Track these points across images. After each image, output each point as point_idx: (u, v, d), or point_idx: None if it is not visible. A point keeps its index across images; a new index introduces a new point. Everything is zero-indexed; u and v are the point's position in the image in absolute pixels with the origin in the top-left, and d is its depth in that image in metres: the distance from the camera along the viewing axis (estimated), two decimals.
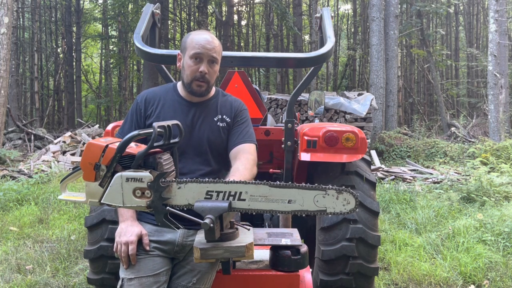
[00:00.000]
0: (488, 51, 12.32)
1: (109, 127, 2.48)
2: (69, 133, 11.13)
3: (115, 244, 1.86)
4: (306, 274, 2.04)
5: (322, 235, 2.35)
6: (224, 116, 2.05)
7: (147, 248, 1.85)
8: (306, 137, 2.37)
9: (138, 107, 2.03)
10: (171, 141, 1.64)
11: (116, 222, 2.28)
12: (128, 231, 1.85)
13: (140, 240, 1.86)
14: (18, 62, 21.39)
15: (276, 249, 1.90)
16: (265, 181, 1.51)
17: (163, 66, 2.75)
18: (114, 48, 22.99)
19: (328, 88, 22.63)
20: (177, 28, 23.93)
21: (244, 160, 1.90)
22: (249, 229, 1.72)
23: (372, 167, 8.85)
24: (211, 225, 1.43)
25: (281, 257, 1.87)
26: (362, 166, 2.57)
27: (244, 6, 25.43)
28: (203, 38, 1.93)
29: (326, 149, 2.36)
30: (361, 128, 9.85)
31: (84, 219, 2.39)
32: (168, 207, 1.53)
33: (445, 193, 6.58)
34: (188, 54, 1.92)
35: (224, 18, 21.10)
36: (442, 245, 4.14)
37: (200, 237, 1.63)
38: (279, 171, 2.94)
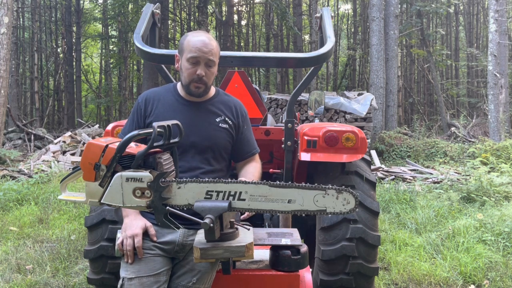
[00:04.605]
0: (488, 51, 12.31)
1: (109, 127, 2.48)
2: (69, 133, 11.13)
3: (120, 239, 1.85)
4: (306, 274, 2.03)
5: (322, 235, 2.35)
6: (227, 118, 2.06)
7: (154, 238, 1.87)
8: (306, 137, 2.37)
9: (138, 107, 2.05)
10: (171, 141, 1.64)
11: (116, 222, 2.28)
12: (133, 224, 1.86)
13: (143, 238, 1.86)
14: (18, 62, 21.39)
15: (276, 249, 1.90)
16: (265, 181, 1.51)
17: (163, 66, 2.75)
18: (114, 48, 22.98)
19: (328, 88, 22.62)
20: (177, 28, 23.92)
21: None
22: (249, 229, 1.72)
23: (372, 167, 8.85)
24: (211, 225, 1.43)
25: (281, 257, 1.87)
26: (362, 166, 2.57)
27: (244, 6, 25.43)
28: (199, 40, 1.92)
29: (326, 149, 2.36)
30: (361, 128, 9.85)
31: (84, 219, 2.39)
32: (168, 207, 1.53)
33: (445, 193, 6.58)
34: (185, 57, 1.93)
35: (224, 18, 21.09)
36: (442, 245, 4.14)
37: (200, 237, 1.63)
38: (279, 171, 2.94)
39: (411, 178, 8.41)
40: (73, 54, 21.63)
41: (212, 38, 1.99)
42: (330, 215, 1.61)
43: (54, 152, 9.92)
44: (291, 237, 1.95)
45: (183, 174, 1.88)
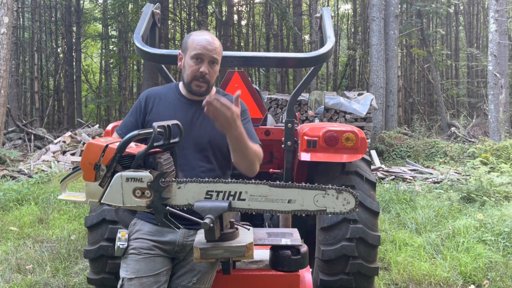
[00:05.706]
0: (488, 51, 12.31)
1: (109, 127, 2.48)
2: (69, 133, 11.13)
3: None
4: (306, 274, 2.03)
5: (322, 235, 2.35)
6: None
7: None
8: (306, 137, 2.38)
9: (139, 104, 2.07)
10: (171, 141, 1.64)
11: (116, 222, 2.28)
12: None
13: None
14: (18, 62, 21.38)
15: (276, 249, 1.90)
16: (265, 181, 1.51)
17: (163, 66, 2.75)
18: (114, 48, 22.98)
19: (328, 88, 22.62)
20: (177, 28, 23.93)
21: None
22: (249, 229, 1.72)
23: (372, 167, 8.85)
24: (211, 225, 1.43)
25: (281, 257, 1.87)
26: (362, 166, 2.57)
27: (244, 6, 25.43)
28: (204, 38, 1.95)
29: (326, 149, 2.36)
30: (361, 128, 9.85)
31: (84, 219, 2.39)
32: (168, 207, 1.53)
33: (445, 193, 6.58)
34: (189, 54, 1.95)
35: (224, 18, 21.09)
36: (442, 245, 4.14)
37: (200, 237, 1.63)
38: (279, 171, 2.94)
39: (411, 178, 8.41)
40: (73, 54, 21.63)
41: (216, 38, 2.01)
42: (330, 215, 1.61)
43: (54, 152, 9.92)
44: (291, 237, 1.95)
45: (184, 173, 1.88)
